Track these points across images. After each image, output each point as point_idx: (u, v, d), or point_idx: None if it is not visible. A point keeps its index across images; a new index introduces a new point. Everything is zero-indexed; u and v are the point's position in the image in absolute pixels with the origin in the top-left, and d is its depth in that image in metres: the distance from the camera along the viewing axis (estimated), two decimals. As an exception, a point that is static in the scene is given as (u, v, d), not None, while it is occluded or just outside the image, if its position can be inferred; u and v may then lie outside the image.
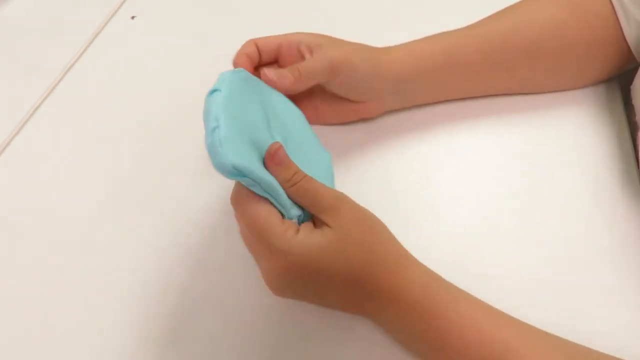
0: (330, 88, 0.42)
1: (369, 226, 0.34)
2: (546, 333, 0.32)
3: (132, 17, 0.64)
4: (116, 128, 0.52)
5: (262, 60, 0.41)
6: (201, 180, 0.46)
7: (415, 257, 0.35)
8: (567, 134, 0.45)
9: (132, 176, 0.48)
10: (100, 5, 0.65)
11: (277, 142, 0.34)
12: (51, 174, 0.50)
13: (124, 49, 0.61)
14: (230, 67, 0.41)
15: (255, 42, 0.41)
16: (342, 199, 0.34)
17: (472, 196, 0.43)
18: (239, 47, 0.41)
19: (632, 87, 0.43)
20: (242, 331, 0.38)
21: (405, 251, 0.35)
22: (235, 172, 0.30)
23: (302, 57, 0.41)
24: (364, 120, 0.47)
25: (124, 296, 0.41)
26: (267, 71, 0.38)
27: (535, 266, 0.38)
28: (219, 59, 0.57)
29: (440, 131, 0.47)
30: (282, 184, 0.33)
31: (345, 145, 0.47)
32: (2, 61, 0.61)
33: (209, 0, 0.64)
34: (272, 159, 0.33)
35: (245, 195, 0.32)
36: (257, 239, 0.32)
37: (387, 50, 0.44)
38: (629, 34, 0.42)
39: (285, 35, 0.42)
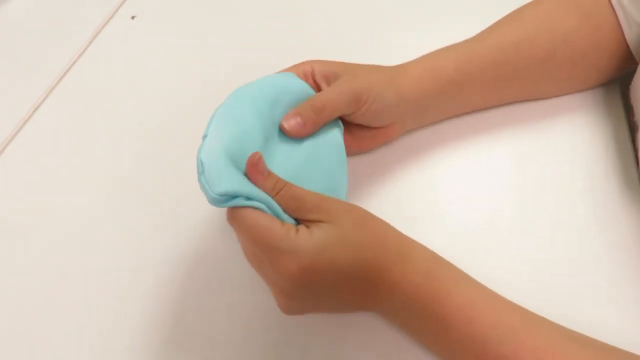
0: (351, 119, 0.41)
1: (362, 215, 0.35)
2: (546, 319, 0.32)
3: (132, 17, 0.64)
4: (116, 128, 0.52)
5: None
6: (201, 181, 0.46)
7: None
8: (567, 138, 0.45)
9: (132, 176, 0.48)
10: (100, 5, 0.65)
11: (257, 152, 0.33)
12: (51, 174, 0.50)
13: (124, 49, 0.61)
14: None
15: None
16: (324, 197, 0.34)
17: (475, 200, 0.43)
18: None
19: (630, 87, 0.43)
20: (243, 330, 0.38)
21: (404, 236, 0.35)
22: (227, 199, 0.31)
23: (319, 88, 0.41)
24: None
25: (124, 296, 0.41)
26: (284, 123, 0.37)
27: (535, 268, 0.38)
28: (219, 59, 0.58)
29: (442, 141, 0.46)
30: (268, 193, 0.33)
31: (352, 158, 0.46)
32: (2, 61, 0.61)
33: (209, 0, 0.64)
34: (256, 168, 0.33)
35: (240, 209, 0.32)
36: (262, 248, 0.32)
37: (404, 69, 0.43)
38: (630, 35, 0.42)
39: (297, 66, 0.41)
